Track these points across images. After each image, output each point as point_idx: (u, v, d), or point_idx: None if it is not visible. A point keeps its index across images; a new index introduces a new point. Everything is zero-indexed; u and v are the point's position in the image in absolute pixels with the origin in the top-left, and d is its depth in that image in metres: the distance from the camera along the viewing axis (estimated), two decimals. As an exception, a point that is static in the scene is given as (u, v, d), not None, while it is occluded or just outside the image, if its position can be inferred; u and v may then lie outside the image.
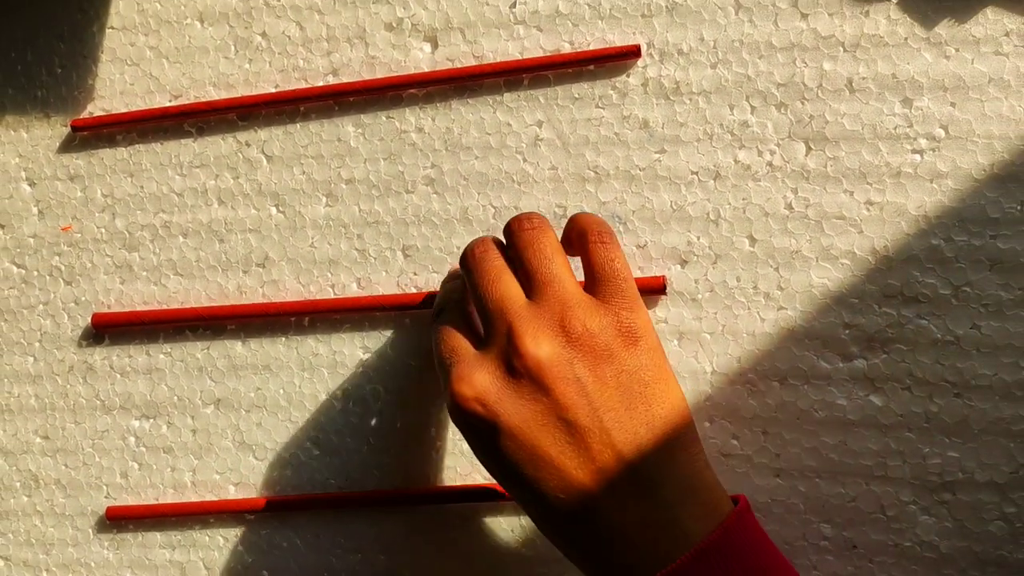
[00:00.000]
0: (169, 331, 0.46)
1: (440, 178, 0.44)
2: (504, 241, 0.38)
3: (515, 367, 0.34)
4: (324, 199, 0.45)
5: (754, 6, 0.40)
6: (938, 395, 0.38)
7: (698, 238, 0.41)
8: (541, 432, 0.34)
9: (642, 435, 0.34)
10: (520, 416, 0.34)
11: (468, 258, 0.38)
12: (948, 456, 0.38)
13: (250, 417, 0.45)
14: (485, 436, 0.35)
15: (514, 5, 0.43)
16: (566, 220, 0.41)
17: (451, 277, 0.41)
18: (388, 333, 0.44)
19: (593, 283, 0.37)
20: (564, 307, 0.35)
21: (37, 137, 0.49)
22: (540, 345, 0.34)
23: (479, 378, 0.35)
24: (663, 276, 0.40)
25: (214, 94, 0.46)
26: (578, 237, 0.37)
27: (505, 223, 0.38)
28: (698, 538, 0.33)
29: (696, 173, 0.41)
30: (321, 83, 0.45)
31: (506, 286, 0.36)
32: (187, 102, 0.46)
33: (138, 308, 0.47)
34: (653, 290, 0.40)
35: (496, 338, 0.35)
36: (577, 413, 0.34)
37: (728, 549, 0.33)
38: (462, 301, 0.39)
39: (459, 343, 0.37)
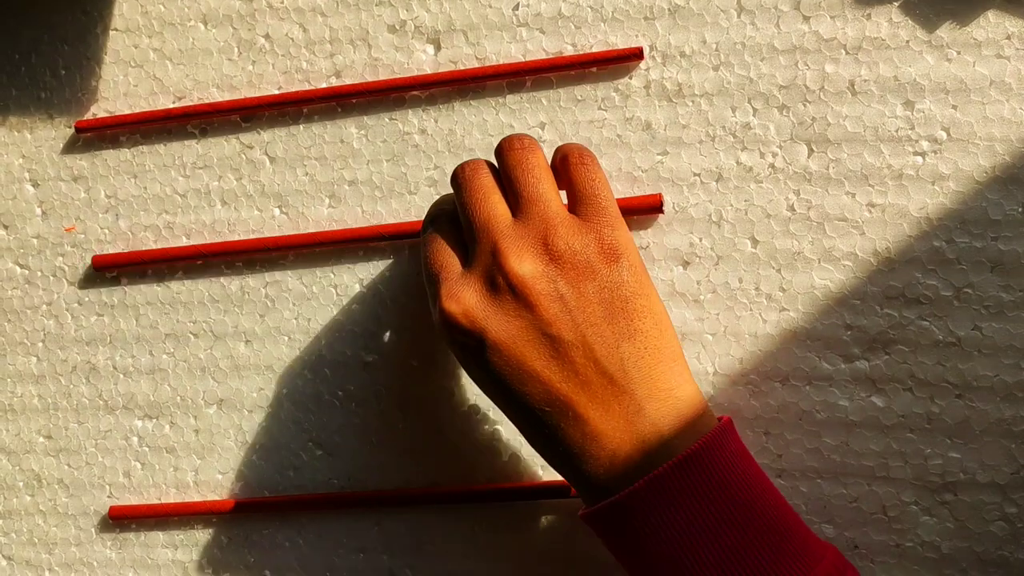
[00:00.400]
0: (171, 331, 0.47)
1: (443, 180, 0.44)
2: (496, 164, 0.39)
3: (499, 284, 0.35)
4: (327, 200, 0.45)
5: (756, 9, 0.40)
6: (940, 396, 0.38)
7: (700, 239, 0.41)
8: (526, 347, 0.35)
9: (624, 349, 0.35)
10: (506, 331, 0.35)
11: (458, 175, 0.38)
12: (950, 457, 0.38)
13: (253, 417, 0.45)
14: (472, 351, 0.36)
15: (517, 7, 0.43)
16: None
17: (443, 197, 0.42)
18: (390, 334, 0.44)
19: (576, 203, 0.37)
20: (547, 225, 0.36)
21: (41, 138, 0.49)
22: (523, 263, 0.35)
23: (466, 295, 0.36)
24: (659, 194, 0.41)
25: (217, 96, 0.46)
26: (561, 162, 0.38)
27: (497, 144, 0.39)
28: (679, 450, 0.34)
29: (698, 175, 0.41)
30: (324, 85, 0.45)
31: (492, 205, 0.37)
32: (190, 104, 0.47)
33: (141, 309, 0.47)
34: (650, 209, 0.41)
35: (482, 256, 0.36)
36: (560, 328, 0.35)
37: (708, 461, 0.34)
38: (453, 213, 0.39)
39: (447, 258, 0.37)
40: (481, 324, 0.35)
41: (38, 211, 0.49)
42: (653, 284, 0.37)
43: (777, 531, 0.34)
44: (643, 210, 0.41)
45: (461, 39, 0.44)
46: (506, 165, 0.38)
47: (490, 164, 0.39)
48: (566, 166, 0.38)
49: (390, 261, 0.44)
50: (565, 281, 0.35)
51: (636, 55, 0.41)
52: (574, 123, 0.42)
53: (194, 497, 0.46)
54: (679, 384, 0.35)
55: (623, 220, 0.37)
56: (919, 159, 0.39)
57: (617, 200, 0.40)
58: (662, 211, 0.41)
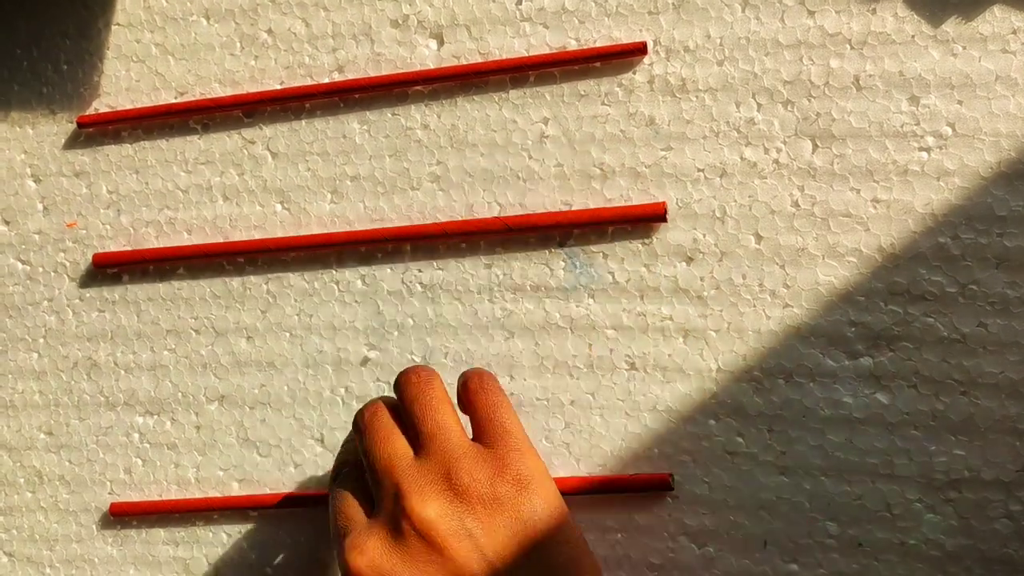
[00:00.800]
0: (173, 328, 0.46)
1: (445, 175, 0.44)
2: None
3: (404, 530, 0.34)
4: (329, 196, 0.45)
5: (761, 3, 0.40)
6: (944, 393, 0.38)
7: (704, 235, 0.40)
8: None
9: None
10: None
11: (359, 422, 0.38)
12: (954, 454, 0.38)
13: (254, 414, 0.45)
14: None
15: (520, 2, 0.43)
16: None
17: (350, 439, 0.41)
18: (392, 332, 0.44)
19: (479, 431, 0.37)
20: (450, 459, 0.35)
21: (43, 133, 0.49)
22: (427, 504, 0.34)
23: (371, 545, 0.34)
24: (663, 203, 0.40)
25: (219, 91, 0.46)
26: (461, 388, 0.38)
27: (395, 377, 0.38)
28: None
29: (702, 170, 0.41)
30: (327, 80, 0.45)
31: (393, 445, 0.36)
32: (192, 99, 0.47)
33: (142, 305, 0.47)
34: (653, 218, 0.40)
35: (385, 501, 0.35)
36: (473, 569, 0.34)
37: None
38: (359, 464, 0.38)
39: (352, 510, 0.36)
40: (389, 575, 0.34)
41: (39, 207, 0.48)
42: (565, 506, 0.36)
43: None
44: (645, 218, 0.40)
45: (464, 34, 0.43)
46: (405, 401, 0.37)
47: (391, 403, 0.38)
48: (466, 393, 0.37)
49: (392, 259, 0.44)
50: (473, 517, 0.34)
51: (640, 50, 0.41)
52: (577, 118, 0.42)
53: (195, 494, 0.46)
54: None
55: (530, 443, 0.36)
56: (924, 155, 0.38)
57: (618, 207, 0.40)
58: (665, 220, 0.40)
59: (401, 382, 0.38)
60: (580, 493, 0.40)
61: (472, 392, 0.37)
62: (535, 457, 0.36)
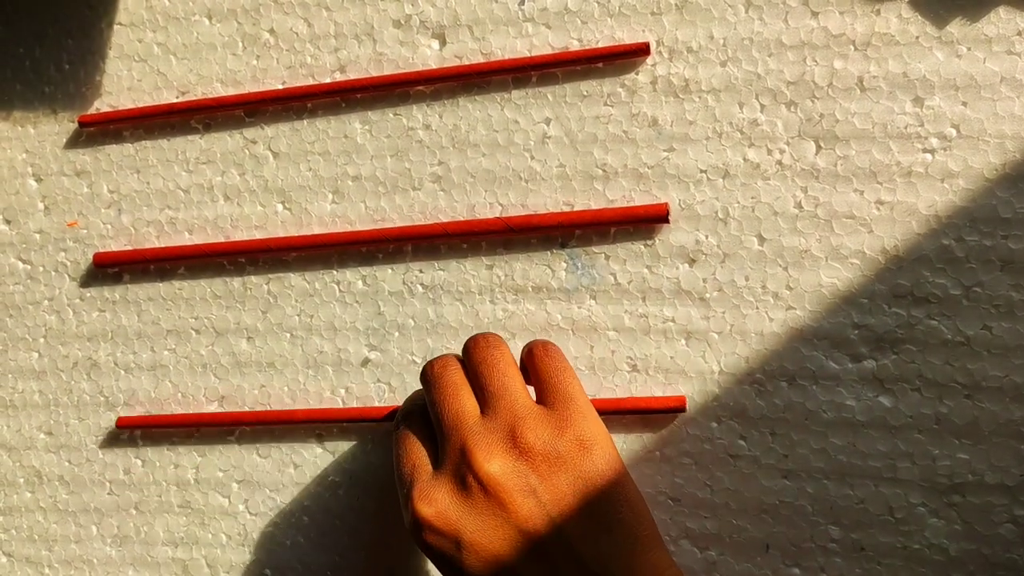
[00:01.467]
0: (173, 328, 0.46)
1: (447, 175, 0.43)
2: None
3: (470, 484, 0.35)
4: (330, 196, 0.45)
5: (764, 4, 0.40)
6: (948, 396, 0.38)
7: (706, 237, 0.40)
8: (502, 546, 0.34)
9: (603, 542, 0.34)
10: (480, 531, 0.35)
11: (428, 372, 0.38)
12: (958, 458, 0.38)
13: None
14: (449, 553, 0.35)
15: (522, 2, 0.43)
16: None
17: (417, 393, 0.41)
18: (393, 333, 0.44)
19: (543, 395, 0.37)
20: (515, 419, 0.36)
21: (44, 133, 0.49)
22: (492, 460, 0.35)
23: (438, 496, 0.35)
24: (665, 204, 0.40)
25: (221, 90, 0.46)
26: (527, 356, 0.38)
27: (465, 341, 0.39)
28: None
29: (705, 171, 0.40)
30: (328, 80, 0.45)
31: (461, 401, 0.37)
32: (194, 98, 0.46)
33: (143, 305, 0.47)
34: (656, 219, 0.40)
35: (451, 455, 0.36)
36: (536, 524, 0.34)
37: None
38: (424, 410, 0.39)
39: (419, 458, 0.37)
40: (455, 525, 0.35)
41: (40, 206, 0.48)
42: (627, 470, 0.37)
43: None
44: (647, 220, 0.40)
45: (466, 34, 0.43)
46: (472, 362, 0.38)
47: (459, 359, 0.39)
48: (532, 359, 0.38)
49: (393, 259, 0.44)
50: (536, 475, 0.35)
51: (643, 50, 0.41)
52: (580, 119, 0.42)
53: (195, 494, 0.46)
54: (662, 571, 0.35)
55: (593, 408, 0.37)
56: (928, 156, 0.38)
57: (620, 208, 0.40)
58: (667, 221, 0.40)
59: (470, 345, 0.38)
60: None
61: (537, 358, 0.38)
62: (597, 421, 0.37)
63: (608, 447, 0.36)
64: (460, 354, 0.39)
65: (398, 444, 0.38)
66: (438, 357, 0.39)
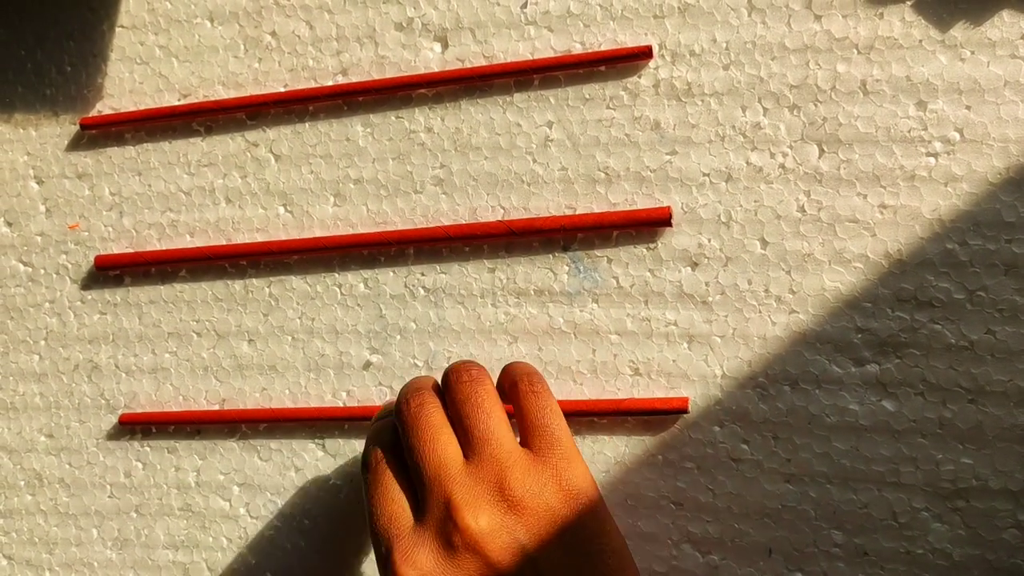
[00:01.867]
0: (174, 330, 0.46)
1: (449, 178, 0.43)
2: (440, 384, 0.37)
3: (456, 543, 0.33)
4: (332, 199, 0.45)
5: (767, 7, 0.40)
6: (952, 401, 0.38)
7: (709, 240, 0.40)
8: None
9: None
10: None
11: (403, 411, 0.36)
12: (961, 463, 0.38)
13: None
14: None
15: (525, 5, 0.43)
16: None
17: (384, 427, 0.38)
18: (395, 336, 0.44)
19: (527, 435, 0.36)
20: (502, 468, 0.34)
21: (46, 135, 0.49)
22: (480, 517, 0.34)
23: (422, 559, 0.34)
24: (668, 207, 0.40)
25: (223, 93, 0.46)
26: (510, 387, 0.37)
27: (444, 371, 0.37)
28: None
29: (707, 175, 0.40)
30: (330, 83, 0.45)
31: (443, 447, 0.35)
32: (196, 101, 0.46)
33: (144, 307, 0.47)
34: (658, 222, 0.40)
35: (434, 509, 0.34)
36: None
37: None
38: (397, 447, 0.37)
39: (396, 509, 0.35)
40: None
41: (42, 208, 0.48)
42: (611, 515, 0.36)
43: None
44: (650, 223, 0.40)
45: (468, 37, 0.43)
46: (455, 400, 0.36)
47: (435, 387, 0.37)
48: (516, 395, 0.36)
49: (394, 262, 0.44)
50: (525, 530, 0.34)
51: (645, 54, 0.41)
52: (582, 122, 0.42)
53: (196, 497, 0.46)
54: None
55: (578, 451, 0.36)
56: (932, 160, 0.38)
57: (622, 212, 0.40)
58: (670, 224, 0.40)
59: (451, 379, 0.36)
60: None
61: (522, 395, 0.36)
62: (583, 465, 0.36)
63: (593, 492, 0.35)
64: (437, 381, 0.38)
65: (371, 493, 0.36)
66: (413, 392, 0.37)
